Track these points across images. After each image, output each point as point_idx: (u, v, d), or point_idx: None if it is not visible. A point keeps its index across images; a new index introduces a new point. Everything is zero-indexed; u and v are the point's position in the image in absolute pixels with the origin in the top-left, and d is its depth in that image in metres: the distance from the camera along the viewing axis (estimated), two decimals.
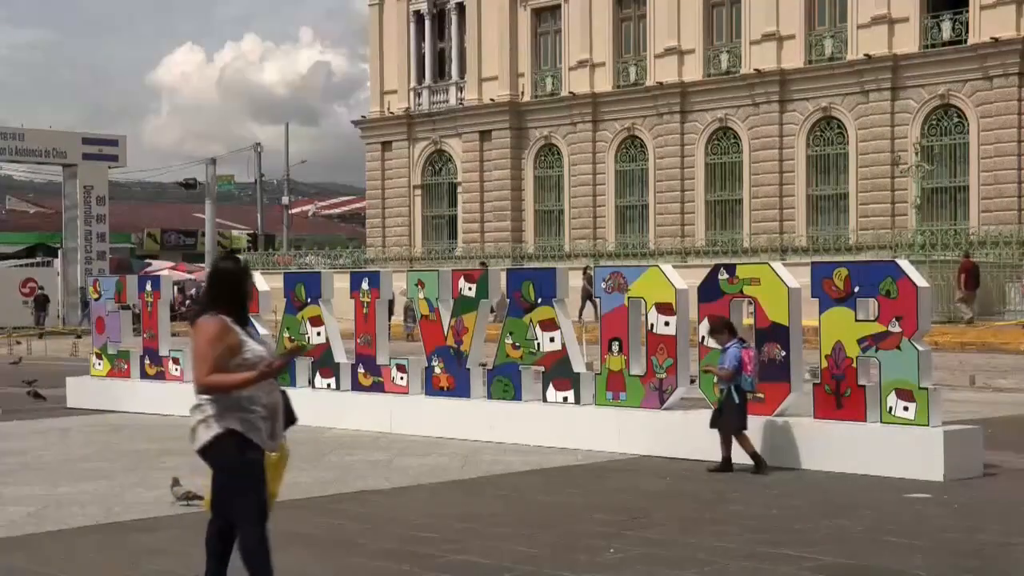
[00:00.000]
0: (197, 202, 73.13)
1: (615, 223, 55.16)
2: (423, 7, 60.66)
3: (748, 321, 13.19)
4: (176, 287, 48.50)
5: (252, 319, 7.00)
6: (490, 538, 8.92)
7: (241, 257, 7.17)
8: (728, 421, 11.77)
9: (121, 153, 52.74)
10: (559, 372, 13.97)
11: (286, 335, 16.39)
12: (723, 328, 12.03)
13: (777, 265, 12.72)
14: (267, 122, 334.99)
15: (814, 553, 8.28)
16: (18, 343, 37.62)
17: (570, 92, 55.58)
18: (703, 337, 12.75)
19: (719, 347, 12.00)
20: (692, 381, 13.10)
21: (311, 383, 16.19)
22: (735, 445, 11.76)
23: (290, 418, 6.88)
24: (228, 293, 6.72)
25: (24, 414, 17.96)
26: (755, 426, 12.25)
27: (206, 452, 6.65)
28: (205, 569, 6.89)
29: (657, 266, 13.74)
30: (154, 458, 13.27)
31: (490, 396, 14.57)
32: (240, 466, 6.60)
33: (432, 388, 15.10)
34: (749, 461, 11.72)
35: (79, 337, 38.81)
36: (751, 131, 50.74)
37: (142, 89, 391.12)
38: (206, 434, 6.61)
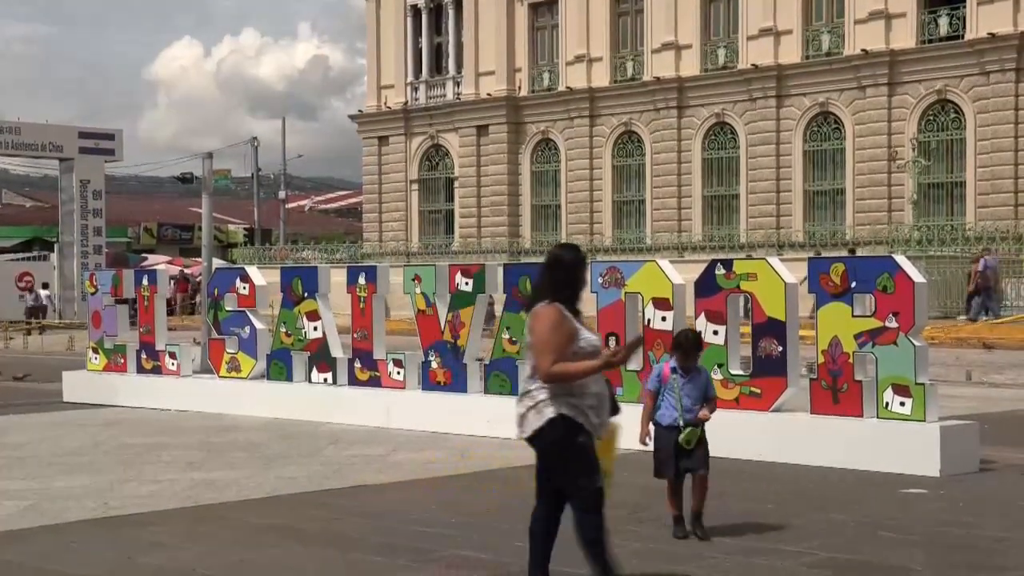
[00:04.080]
0: (193, 196, 73.07)
1: (612, 218, 55.18)
2: (420, 1, 60.63)
3: (746, 329, 13.17)
4: (179, 278, 48.37)
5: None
6: (488, 533, 8.92)
7: (580, 247, 7.17)
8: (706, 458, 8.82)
9: (118, 147, 52.58)
10: None
11: (283, 329, 16.38)
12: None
13: (774, 260, 12.72)
14: (264, 116, 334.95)
15: (810, 548, 8.28)
16: (11, 338, 37.57)
17: (567, 87, 55.58)
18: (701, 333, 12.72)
19: (682, 374, 8.70)
20: None
21: (308, 378, 16.18)
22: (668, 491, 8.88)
23: (614, 408, 6.90)
24: (564, 281, 6.72)
25: (19, 408, 17.94)
26: (752, 422, 12.26)
27: (538, 437, 6.65)
28: (529, 558, 6.85)
29: (654, 261, 13.72)
30: (150, 452, 13.27)
31: (487, 391, 14.56)
32: (571, 448, 6.62)
33: (429, 383, 15.08)
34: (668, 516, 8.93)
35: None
36: (748, 126, 50.75)
37: (139, 83, 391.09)
38: (537, 420, 6.63)
